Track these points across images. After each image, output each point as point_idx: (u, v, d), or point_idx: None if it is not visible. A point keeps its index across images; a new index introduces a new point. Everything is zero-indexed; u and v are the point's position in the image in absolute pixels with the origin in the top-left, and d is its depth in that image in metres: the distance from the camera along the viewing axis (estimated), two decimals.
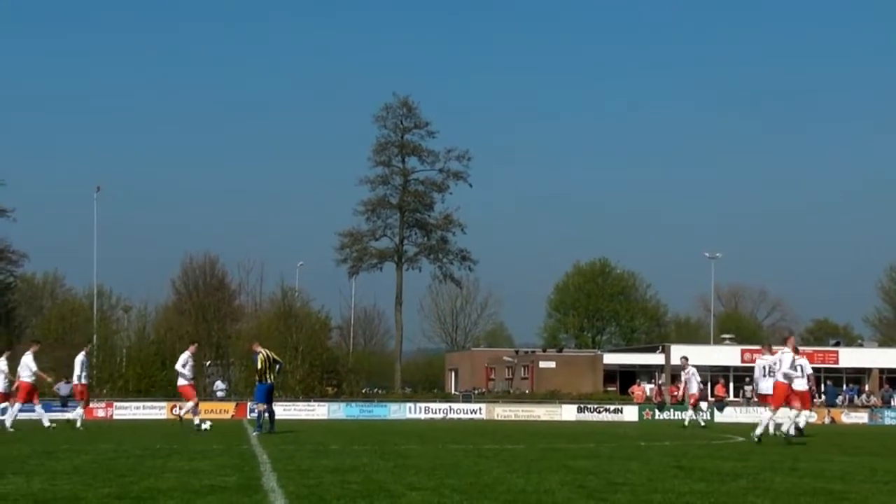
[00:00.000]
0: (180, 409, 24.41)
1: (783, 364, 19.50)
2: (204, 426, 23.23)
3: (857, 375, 63.76)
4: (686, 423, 31.36)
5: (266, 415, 22.72)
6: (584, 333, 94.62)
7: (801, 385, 23.49)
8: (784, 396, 19.67)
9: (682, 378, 31.61)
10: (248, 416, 25.52)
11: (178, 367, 24.65)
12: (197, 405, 24.58)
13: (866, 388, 61.30)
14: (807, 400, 23.93)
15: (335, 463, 12.91)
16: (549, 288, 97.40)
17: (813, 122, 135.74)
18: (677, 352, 62.05)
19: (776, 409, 19.77)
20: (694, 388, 30.89)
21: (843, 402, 54.18)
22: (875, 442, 20.97)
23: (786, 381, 19.54)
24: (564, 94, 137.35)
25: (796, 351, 20.35)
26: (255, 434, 21.28)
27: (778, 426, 21.00)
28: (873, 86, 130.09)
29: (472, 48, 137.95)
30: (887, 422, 49.22)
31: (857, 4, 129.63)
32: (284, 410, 40.08)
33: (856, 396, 57.75)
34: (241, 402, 44.64)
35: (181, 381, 24.61)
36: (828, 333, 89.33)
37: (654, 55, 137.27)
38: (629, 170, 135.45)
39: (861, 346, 71.48)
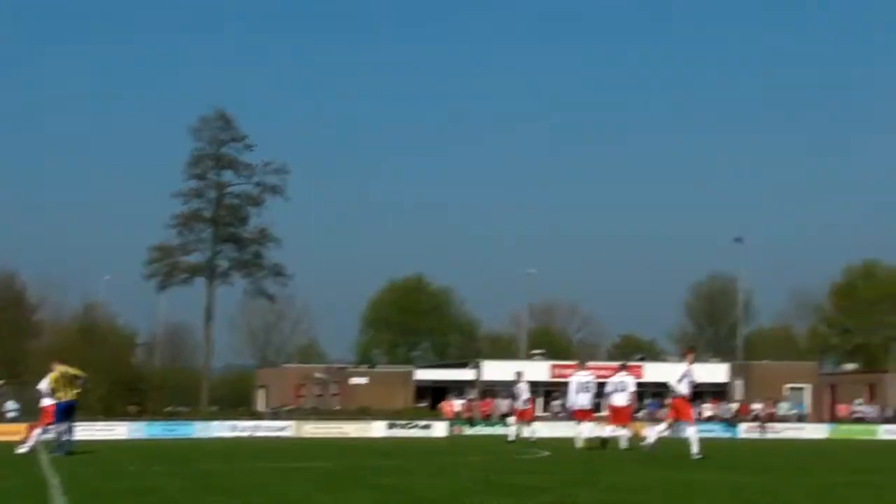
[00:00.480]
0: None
1: (679, 377, 19.70)
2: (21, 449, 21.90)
3: (661, 389, 66.19)
4: (530, 438, 31.30)
5: (65, 436, 21.67)
6: (398, 349, 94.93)
7: (621, 401, 24.32)
8: (686, 409, 19.93)
9: (516, 392, 32.15)
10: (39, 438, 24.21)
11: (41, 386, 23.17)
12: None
13: (668, 401, 63.64)
14: (626, 416, 24.74)
15: (131, 485, 12.32)
16: (364, 303, 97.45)
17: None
18: (489, 367, 62.95)
19: (690, 422, 19.96)
20: (520, 404, 31.51)
21: (645, 416, 56.23)
22: (672, 455, 21.72)
23: (685, 394, 19.71)
24: (393, 106, 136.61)
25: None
26: (49, 457, 20.18)
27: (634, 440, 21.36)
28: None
29: (291, 60, 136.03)
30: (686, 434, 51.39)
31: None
32: (83, 431, 38.23)
33: (658, 410, 60.06)
34: (34, 423, 42.30)
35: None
36: (635, 348, 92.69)
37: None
38: (451, 184, 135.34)
39: (664, 360, 74.51)
